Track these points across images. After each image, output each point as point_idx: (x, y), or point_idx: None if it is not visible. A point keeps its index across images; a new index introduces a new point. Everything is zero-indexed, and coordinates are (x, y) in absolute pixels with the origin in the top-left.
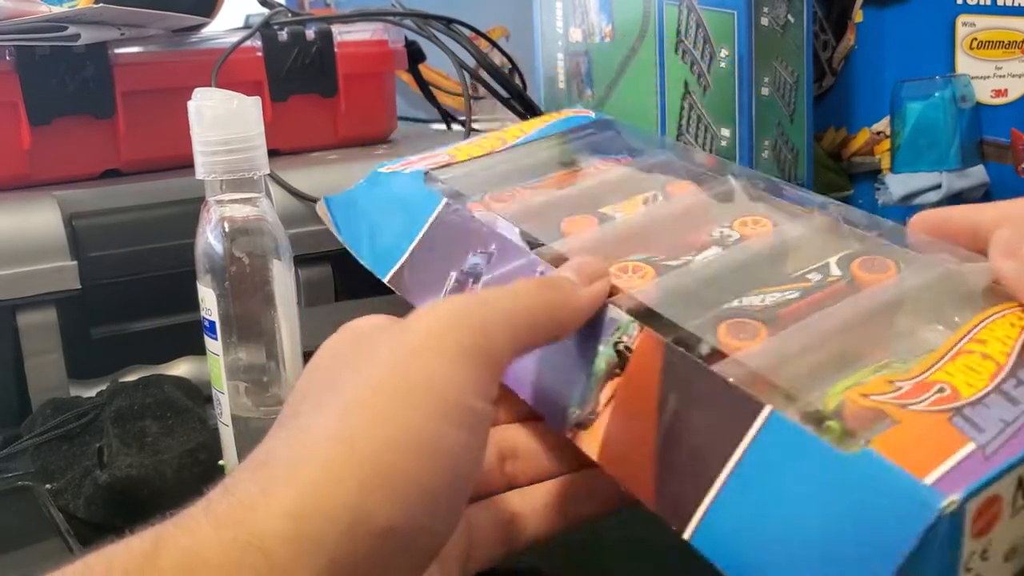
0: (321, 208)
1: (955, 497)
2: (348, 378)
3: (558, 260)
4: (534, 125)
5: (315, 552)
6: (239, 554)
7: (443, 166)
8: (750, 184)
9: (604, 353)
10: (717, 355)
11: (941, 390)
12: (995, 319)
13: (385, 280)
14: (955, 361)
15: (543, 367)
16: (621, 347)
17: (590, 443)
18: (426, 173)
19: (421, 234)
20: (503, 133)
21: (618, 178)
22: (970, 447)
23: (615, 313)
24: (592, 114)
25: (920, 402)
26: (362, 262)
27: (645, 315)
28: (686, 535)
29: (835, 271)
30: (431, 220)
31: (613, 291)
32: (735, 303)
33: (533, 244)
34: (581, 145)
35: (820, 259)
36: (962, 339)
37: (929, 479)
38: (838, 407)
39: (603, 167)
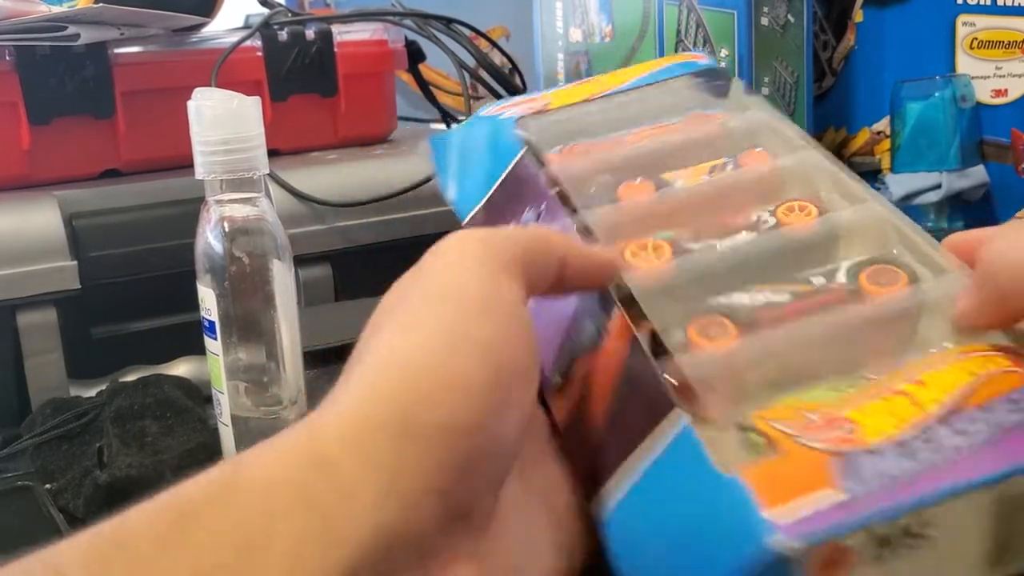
0: (426, 147)
1: (790, 542)
2: (394, 304)
3: (585, 231)
4: (644, 69)
5: (377, 459)
6: (311, 471)
7: (538, 112)
8: (833, 167)
9: (587, 330)
10: (683, 350)
11: (847, 430)
12: (959, 361)
13: (463, 224)
14: (883, 400)
15: (547, 332)
16: (599, 328)
17: (559, 411)
18: (518, 120)
19: (498, 182)
20: (609, 77)
21: (698, 139)
22: (833, 495)
23: (608, 292)
24: (705, 59)
25: (817, 439)
26: (448, 203)
27: (630, 300)
28: (603, 515)
29: (841, 277)
30: (509, 169)
31: (630, 266)
32: (722, 299)
33: (572, 207)
34: (681, 97)
35: (841, 259)
36: (906, 378)
37: (775, 518)
38: (748, 426)
39: (692, 123)
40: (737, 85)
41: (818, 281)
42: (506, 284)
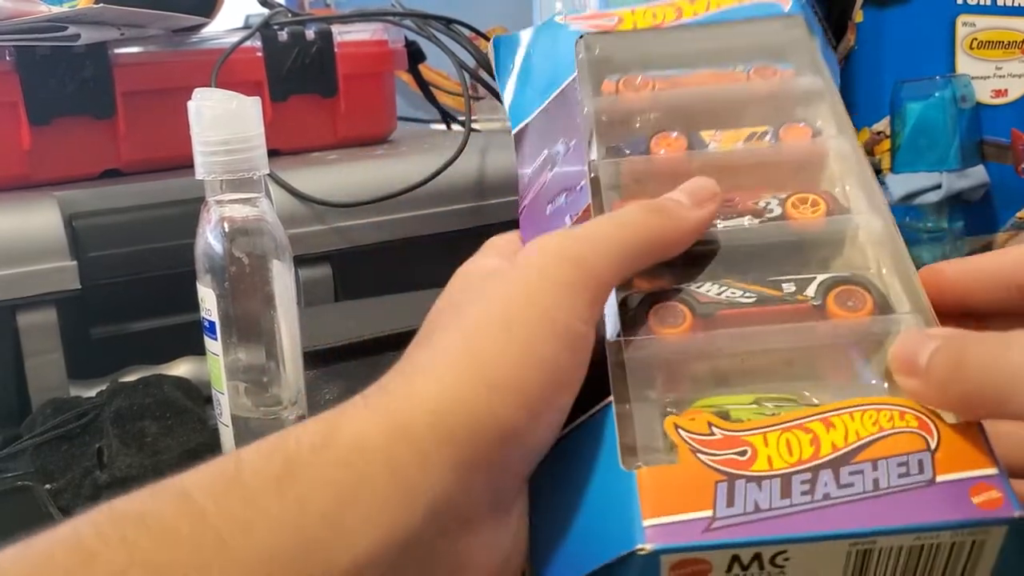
0: (489, 48)
1: (649, 546)
2: (469, 311)
3: (595, 183)
4: (723, 3)
5: (451, 443)
6: (397, 441)
7: (606, 31)
8: (863, 165)
9: None
10: (641, 330)
11: (742, 453)
12: (874, 409)
13: (512, 133)
14: (789, 432)
15: None
16: None
17: None
18: (582, 36)
19: (550, 99)
20: (686, 3)
21: (751, 97)
22: (702, 514)
23: None
24: (788, 5)
25: (713, 455)
26: (504, 106)
27: None
28: None
29: (811, 291)
30: (561, 88)
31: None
32: (694, 286)
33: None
34: (754, 42)
35: (826, 266)
36: (821, 413)
37: (650, 521)
38: (665, 418)
39: (753, 77)
40: (813, 43)
41: (788, 289)
42: (587, 312)
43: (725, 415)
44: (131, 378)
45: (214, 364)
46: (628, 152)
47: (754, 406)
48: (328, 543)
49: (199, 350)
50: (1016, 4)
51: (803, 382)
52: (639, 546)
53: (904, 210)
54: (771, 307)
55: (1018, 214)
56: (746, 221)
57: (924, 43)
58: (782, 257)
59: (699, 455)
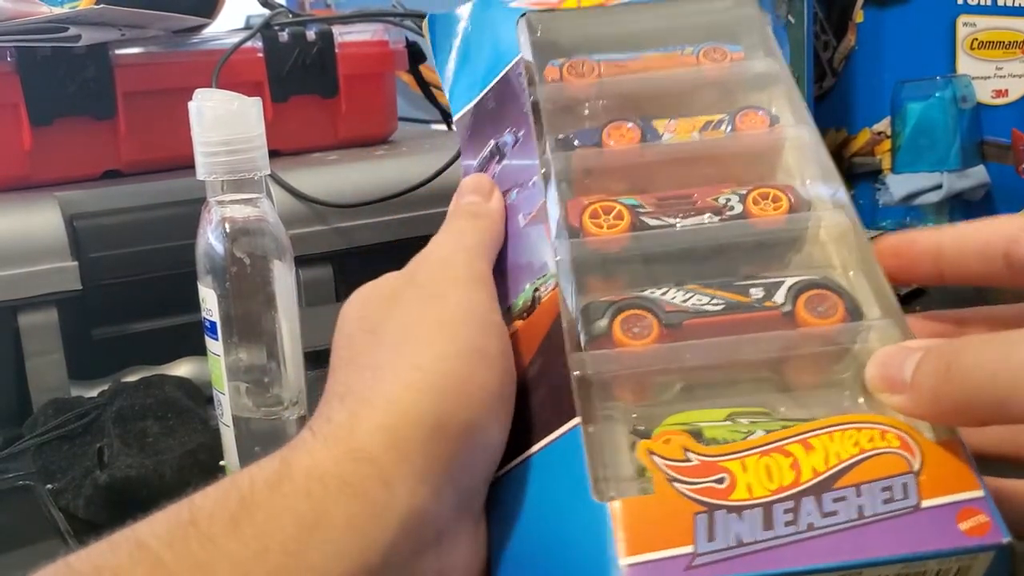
0: (425, 25)
1: None
2: (390, 326)
3: (545, 178)
4: None
5: (412, 453)
6: (353, 464)
7: (548, 9)
8: (824, 155)
9: (524, 293)
10: (604, 340)
11: (720, 480)
12: (853, 428)
13: (454, 120)
14: (767, 456)
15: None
16: (537, 295)
17: None
18: (523, 15)
19: (493, 83)
20: None
21: (702, 83)
22: (682, 551)
23: (551, 259)
24: None
25: (690, 483)
26: (443, 91)
27: (566, 274)
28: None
29: (780, 296)
30: (503, 72)
31: (585, 231)
32: (658, 292)
33: (544, 147)
34: (703, 22)
35: (792, 268)
36: (799, 435)
37: (627, 560)
38: (636, 443)
39: (707, 57)
40: (765, 22)
41: (756, 294)
42: (493, 303)
43: (698, 434)
44: (132, 378)
45: (215, 364)
46: (578, 143)
47: (728, 423)
48: (293, 574)
49: (200, 350)
50: (1016, 4)
51: (776, 394)
52: None
53: (905, 210)
54: (739, 315)
55: (1019, 214)
56: (706, 219)
57: (925, 43)
58: (744, 256)
59: (675, 484)
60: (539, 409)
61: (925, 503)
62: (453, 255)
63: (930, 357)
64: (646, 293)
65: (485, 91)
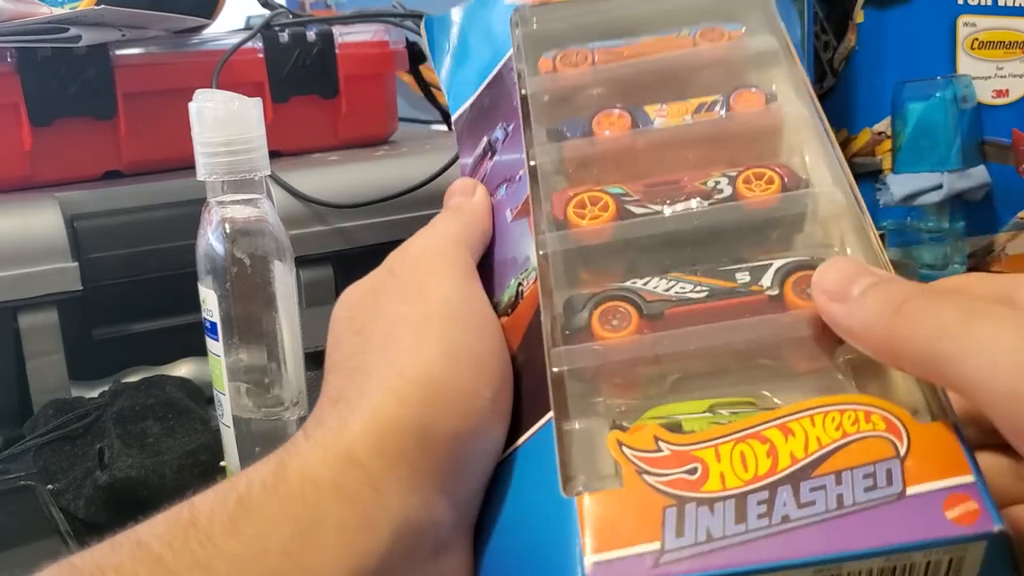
0: (423, 28)
1: None
2: (374, 326)
3: (532, 173)
4: None
5: (398, 461)
6: (344, 468)
7: (543, 2)
8: (823, 132)
9: (509, 289)
10: (584, 334)
11: (692, 471)
12: (836, 411)
13: (453, 119)
14: (743, 443)
15: (484, 279)
16: (520, 289)
17: None
18: (516, 10)
19: (487, 80)
20: None
21: (699, 64)
22: (649, 547)
23: (533, 253)
24: None
25: (660, 475)
26: (442, 91)
27: (546, 265)
28: None
29: (767, 280)
30: (497, 68)
31: (569, 223)
32: (640, 282)
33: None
34: (699, 2)
35: (780, 249)
36: (777, 419)
37: (592, 558)
38: (610, 433)
39: (699, 41)
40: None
41: (742, 279)
42: (483, 295)
43: (676, 427)
44: (133, 379)
45: (215, 365)
46: (569, 134)
47: (708, 415)
48: None
49: (201, 351)
50: (1017, 4)
51: (763, 381)
52: None
53: (905, 210)
54: (724, 301)
55: (1019, 214)
56: (694, 204)
57: (925, 43)
58: (736, 240)
59: (645, 476)
60: (524, 403)
61: (910, 490)
62: (433, 244)
63: (887, 287)
64: (628, 284)
65: (480, 89)
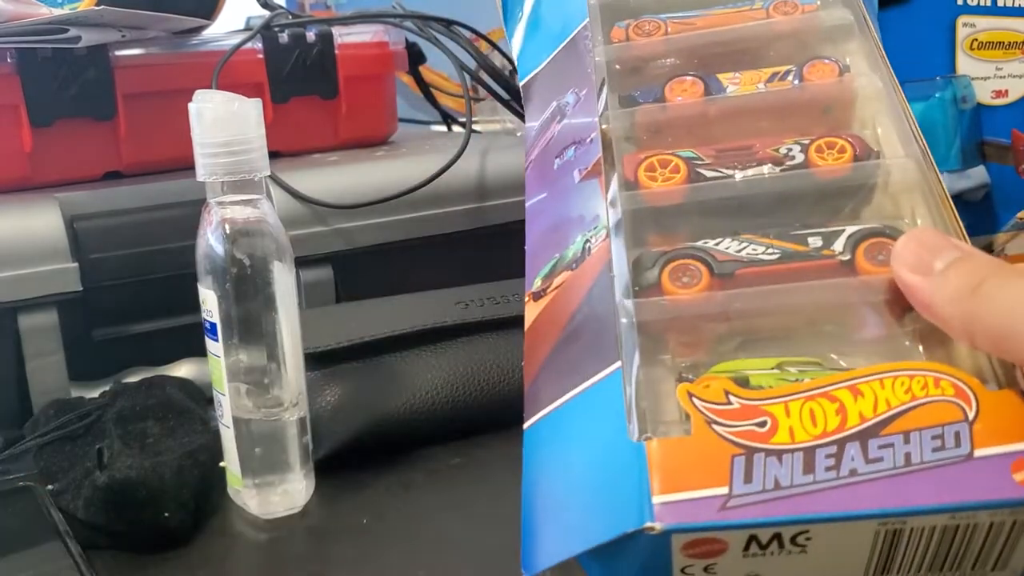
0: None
1: (659, 525)
2: None
3: (605, 135)
4: None
5: None
6: None
7: None
8: (898, 101)
9: (575, 244)
10: (653, 290)
11: (761, 424)
12: (906, 375)
13: (520, 84)
14: (814, 400)
15: (545, 235)
16: (588, 245)
17: (530, 315)
18: None
19: (560, 47)
20: None
21: (772, 36)
22: (717, 491)
23: (603, 211)
24: None
25: (729, 426)
26: (512, 55)
27: (618, 225)
28: (524, 426)
29: (839, 245)
30: (571, 36)
31: (640, 184)
32: (711, 243)
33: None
34: None
35: (854, 217)
36: (847, 380)
37: (660, 499)
38: (681, 383)
39: (772, 14)
40: None
41: (814, 243)
42: None
43: (744, 381)
44: (133, 379)
45: (215, 365)
46: (642, 101)
47: (776, 371)
48: None
49: (201, 351)
50: (1016, 5)
51: (830, 344)
52: (648, 524)
53: None
54: (795, 264)
55: (1019, 215)
56: (766, 170)
57: (924, 44)
58: (806, 208)
59: (714, 426)
60: (582, 355)
61: (978, 452)
62: None
63: (969, 264)
64: (699, 243)
65: (552, 55)
